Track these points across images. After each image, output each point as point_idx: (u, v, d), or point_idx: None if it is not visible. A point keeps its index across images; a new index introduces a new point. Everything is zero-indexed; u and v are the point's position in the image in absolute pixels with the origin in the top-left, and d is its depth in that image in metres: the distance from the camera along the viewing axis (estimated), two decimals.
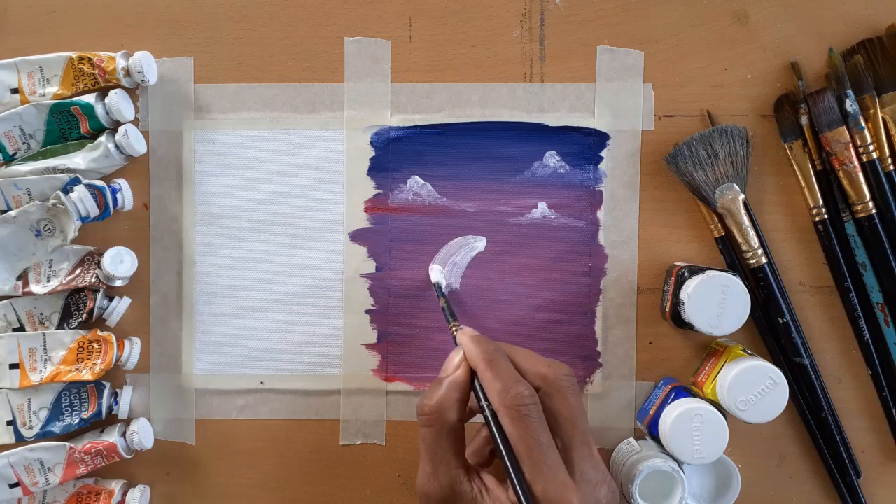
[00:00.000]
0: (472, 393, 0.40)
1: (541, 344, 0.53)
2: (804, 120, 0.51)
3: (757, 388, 0.47)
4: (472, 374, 0.40)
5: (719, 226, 0.52)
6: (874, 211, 0.50)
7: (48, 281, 0.52)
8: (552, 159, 0.53)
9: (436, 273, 0.52)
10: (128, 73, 0.52)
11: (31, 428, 0.51)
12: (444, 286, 0.51)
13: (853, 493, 0.52)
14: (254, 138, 0.54)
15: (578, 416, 0.38)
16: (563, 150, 0.53)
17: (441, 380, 0.40)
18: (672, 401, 0.49)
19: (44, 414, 0.52)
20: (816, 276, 0.53)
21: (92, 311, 0.52)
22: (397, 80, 0.54)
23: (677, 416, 0.47)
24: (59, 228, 0.52)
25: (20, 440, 0.51)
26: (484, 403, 0.38)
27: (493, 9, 0.53)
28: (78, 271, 0.52)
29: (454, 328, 0.44)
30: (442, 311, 0.47)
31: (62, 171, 0.52)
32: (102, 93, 0.52)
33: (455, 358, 0.40)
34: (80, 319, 0.52)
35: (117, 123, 0.53)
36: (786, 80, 0.52)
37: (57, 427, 0.51)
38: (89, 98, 0.52)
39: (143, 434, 0.52)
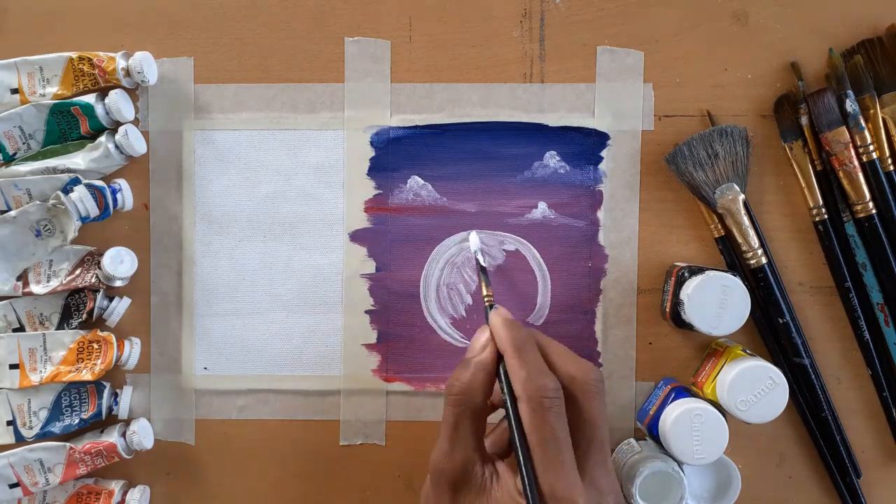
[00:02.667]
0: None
1: None
2: (804, 120, 0.51)
3: (757, 388, 0.47)
4: (499, 357, 0.39)
5: (719, 226, 0.52)
6: (874, 211, 0.50)
7: (48, 281, 0.52)
8: (552, 159, 0.53)
9: (475, 238, 0.52)
10: (128, 73, 0.52)
11: (31, 428, 0.51)
12: (479, 253, 0.50)
13: (853, 493, 0.52)
14: (254, 138, 0.54)
15: (600, 422, 0.38)
16: (563, 150, 0.53)
17: (468, 360, 0.39)
18: (672, 401, 0.49)
19: (44, 414, 0.52)
20: (816, 276, 0.53)
21: (92, 311, 0.52)
22: (397, 80, 0.54)
23: (677, 416, 0.47)
24: (59, 228, 0.52)
25: (20, 440, 0.51)
26: (506, 389, 0.38)
27: (493, 9, 0.53)
28: (78, 271, 0.52)
29: (488, 300, 0.43)
30: (478, 276, 0.46)
31: (62, 172, 0.52)
32: (102, 93, 0.52)
33: (482, 337, 0.40)
34: (80, 319, 0.52)
35: (117, 123, 0.53)
36: (786, 80, 0.52)
37: (57, 427, 0.51)
38: (89, 98, 0.52)
39: (143, 434, 0.52)
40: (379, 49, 0.53)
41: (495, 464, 0.39)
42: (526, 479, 0.35)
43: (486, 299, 0.44)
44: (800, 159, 0.51)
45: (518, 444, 0.36)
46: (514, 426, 0.37)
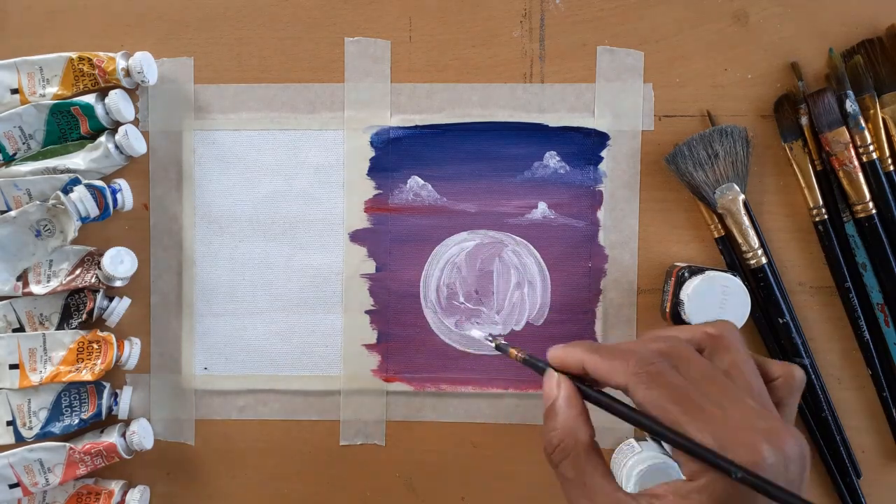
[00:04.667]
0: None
1: (541, 344, 0.53)
2: (804, 120, 0.51)
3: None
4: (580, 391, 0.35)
5: (719, 226, 0.52)
6: (874, 211, 0.50)
7: (48, 281, 0.52)
8: (552, 159, 0.53)
9: (476, 332, 0.51)
10: (128, 73, 0.52)
11: (30, 428, 0.51)
12: (495, 337, 0.48)
13: (853, 493, 0.52)
14: (254, 138, 0.54)
15: (712, 374, 0.33)
16: (563, 150, 0.53)
17: (550, 409, 0.35)
18: None
19: (44, 414, 0.52)
20: (816, 276, 0.53)
21: (92, 311, 0.52)
22: (397, 80, 0.54)
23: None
24: (59, 229, 0.52)
25: (20, 440, 0.51)
26: (600, 396, 0.35)
27: (493, 9, 0.53)
28: (78, 271, 0.52)
29: (522, 354, 0.40)
30: (525, 363, 0.41)
31: (62, 172, 0.52)
32: (102, 93, 0.52)
33: (551, 379, 0.36)
34: (79, 320, 0.52)
35: (117, 124, 0.53)
36: (786, 81, 0.52)
37: (57, 427, 0.51)
38: (89, 98, 0.52)
39: (142, 434, 0.52)
40: (379, 49, 0.53)
41: (648, 491, 0.33)
42: (687, 445, 0.30)
43: (519, 355, 0.40)
44: (800, 159, 0.51)
45: (655, 428, 0.32)
46: (641, 419, 0.32)
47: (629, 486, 0.47)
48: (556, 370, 0.37)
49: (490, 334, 0.44)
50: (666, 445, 0.48)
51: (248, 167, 0.54)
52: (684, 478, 0.38)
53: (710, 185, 0.50)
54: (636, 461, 0.49)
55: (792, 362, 0.50)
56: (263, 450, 0.54)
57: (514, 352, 0.40)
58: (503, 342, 0.42)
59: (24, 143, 0.52)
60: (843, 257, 0.51)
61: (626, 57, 0.53)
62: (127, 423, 0.53)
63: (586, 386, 0.35)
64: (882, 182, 0.50)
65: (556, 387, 0.36)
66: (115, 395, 0.53)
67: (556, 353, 0.37)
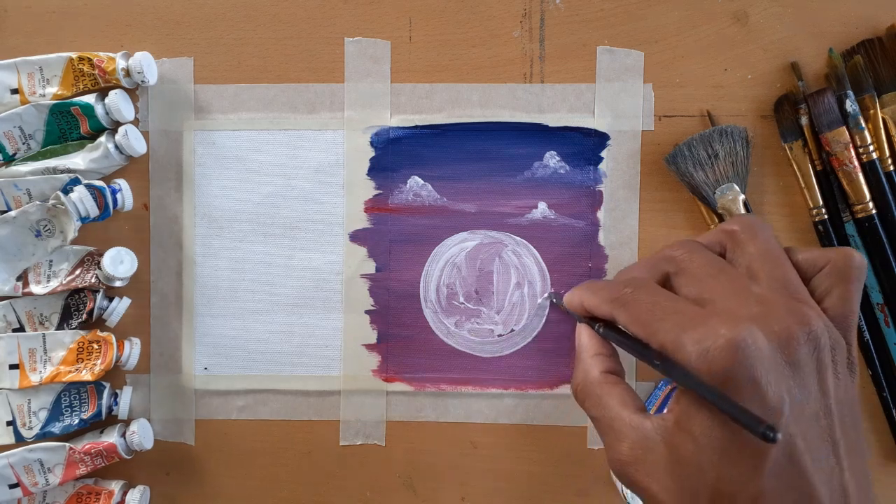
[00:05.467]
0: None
1: (541, 344, 0.53)
2: (804, 120, 0.51)
3: None
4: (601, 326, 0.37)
5: None
6: (874, 211, 0.50)
7: (48, 281, 0.52)
8: (552, 160, 0.53)
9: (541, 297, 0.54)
10: (128, 73, 0.52)
11: (30, 428, 0.51)
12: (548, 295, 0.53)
13: None
14: (254, 139, 0.54)
15: (712, 267, 0.32)
16: (563, 150, 0.53)
17: (578, 354, 0.37)
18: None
19: (43, 414, 0.52)
20: None
21: (92, 311, 0.52)
22: (397, 80, 0.54)
23: None
24: (59, 229, 0.52)
25: (20, 440, 0.51)
26: (602, 326, 0.36)
27: (493, 9, 0.53)
28: (78, 272, 0.52)
29: (550, 296, 0.45)
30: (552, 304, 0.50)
31: (62, 172, 0.52)
32: (102, 93, 0.52)
33: (578, 329, 0.39)
34: (79, 320, 0.52)
35: (117, 124, 0.53)
36: (786, 81, 0.52)
37: (57, 427, 0.51)
38: (89, 98, 0.52)
39: (142, 434, 0.52)
40: (379, 49, 0.53)
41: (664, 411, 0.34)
42: (657, 358, 0.31)
43: (549, 296, 0.44)
44: (800, 159, 0.51)
45: (635, 345, 0.33)
46: (625, 343, 0.34)
47: (626, 489, 0.47)
48: (582, 318, 0.39)
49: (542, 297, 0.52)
50: None
51: (248, 167, 0.54)
52: None
53: (710, 186, 0.50)
54: None
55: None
56: (263, 450, 0.54)
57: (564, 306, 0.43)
58: (554, 297, 0.50)
59: (23, 143, 0.52)
60: None
61: (626, 57, 0.53)
62: (127, 423, 0.53)
63: (607, 327, 0.37)
64: (882, 182, 0.50)
65: (578, 335, 0.38)
66: (115, 395, 0.53)
67: (565, 298, 0.40)
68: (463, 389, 0.54)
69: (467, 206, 0.54)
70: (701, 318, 0.30)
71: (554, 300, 0.48)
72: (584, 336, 0.38)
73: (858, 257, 0.33)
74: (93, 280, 0.52)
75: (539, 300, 0.53)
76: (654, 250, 0.53)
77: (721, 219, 0.51)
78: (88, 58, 0.52)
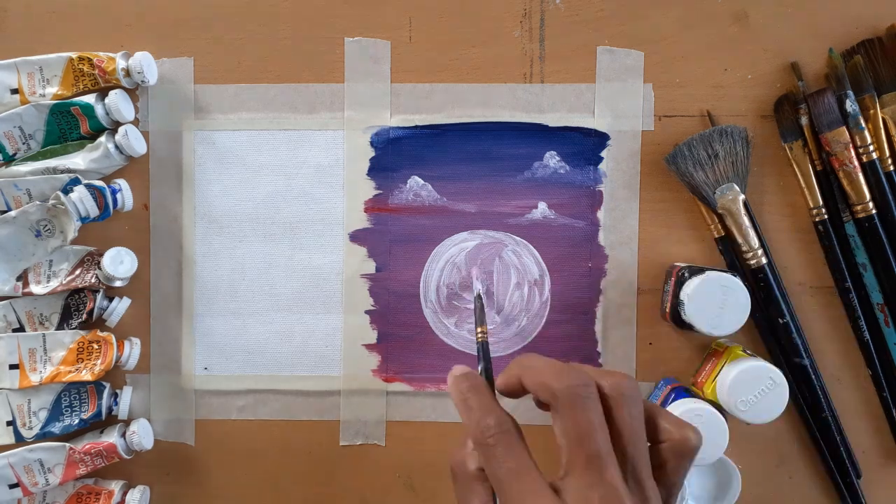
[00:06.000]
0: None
1: (540, 344, 0.53)
2: (804, 120, 0.51)
3: (757, 388, 0.47)
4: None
5: (719, 226, 0.52)
6: (874, 211, 0.50)
7: (48, 281, 0.52)
8: (552, 160, 0.53)
9: (476, 278, 0.53)
10: (128, 73, 0.52)
11: (30, 428, 0.51)
12: (481, 290, 0.51)
13: (853, 493, 0.52)
14: (254, 139, 0.54)
15: (587, 434, 0.32)
16: (563, 150, 0.53)
17: (463, 402, 0.35)
18: (672, 401, 0.49)
19: (43, 414, 0.52)
20: (816, 276, 0.53)
21: (92, 311, 0.52)
22: (397, 80, 0.54)
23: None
24: (59, 229, 0.52)
25: (20, 440, 0.51)
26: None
27: (493, 9, 0.53)
28: (78, 272, 0.52)
29: (481, 336, 0.42)
30: (475, 313, 0.46)
31: (62, 172, 0.52)
32: (102, 93, 0.52)
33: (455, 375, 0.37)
34: (79, 320, 0.52)
35: (117, 124, 0.53)
36: (786, 81, 0.52)
37: (57, 427, 0.51)
38: (89, 98, 0.52)
39: (142, 434, 0.52)
40: (379, 49, 0.53)
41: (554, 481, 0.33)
42: None
43: (479, 335, 0.42)
44: (800, 159, 0.51)
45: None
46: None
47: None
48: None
49: (480, 293, 0.48)
50: None
51: (248, 167, 0.54)
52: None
53: (710, 185, 0.50)
54: None
55: (792, 362, 0.50)
56: (263, 450, 0.54)
57: (480, 330, 0.42)
58: (483, 311, 0.45)
59: (24, 143, 0.52)
60: (843, 257, 0.51)
61: (626, 57, 0.53)
62: (127, 423, 0.53)
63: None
64: (882, 182, 0.50)
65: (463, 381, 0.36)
66: (115, 396, 0.53)
67: (450, 387, 0.36)
68: None
69: (467, 206, 0.54)
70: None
71: (478, 304, 0.46)
72: (474, 381, 0.36)
73: (694, 439, 0.34)
74: (93, 280, 0.52)
75: (476, 285, 0.51)
76: (654, 250, 0.53)
77: (721, 219, 0.51)
78: (88, 58, 0.52)
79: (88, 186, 0.51)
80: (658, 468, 0.33)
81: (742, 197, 0.50)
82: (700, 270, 0.48)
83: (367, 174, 0.54)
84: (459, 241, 0.54)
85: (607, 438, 0.32)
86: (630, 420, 0.32)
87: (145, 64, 0.52)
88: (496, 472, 0.32)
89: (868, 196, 0.50)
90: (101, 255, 0.51)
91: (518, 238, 0.53)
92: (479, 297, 0.49)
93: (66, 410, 0.52)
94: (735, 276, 0.47)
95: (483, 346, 0.42)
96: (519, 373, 0.35)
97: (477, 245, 0.54)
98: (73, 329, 0.52)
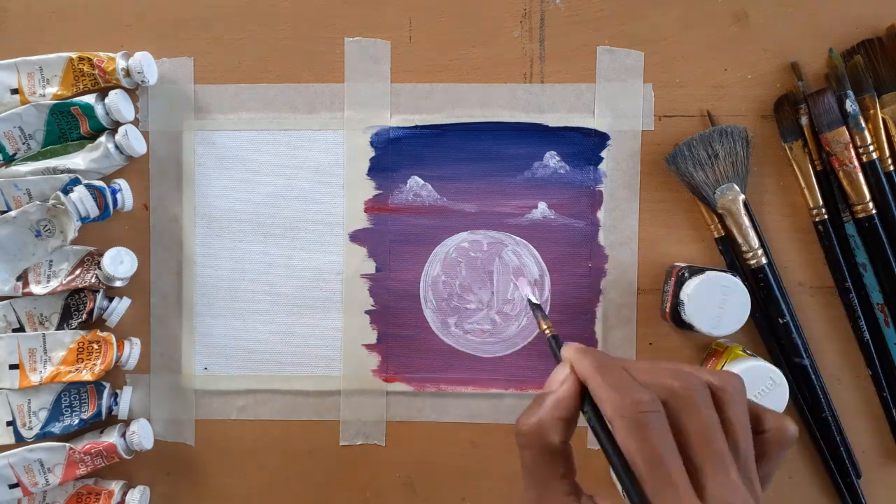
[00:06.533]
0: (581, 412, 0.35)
1: (540, 344, 0.53)
2: (804, 120, 0.51)
3: (757, 388, 0.47)
4: (583, 391, 0.35)
5: (719, 226, 0.52)
6: (874, 211, 0.50)
7: (48, 281, 0.52)
8: (552, 160, 0.53)
9: (525, 286, 0.53)
10: (128, 73, 0.52)
11: (30, 428, 0.51)
12: (531, 296, 0.50)
13: (853, 493, 0.52)
14: (254, 139, 0.54)
15: (712, 433, 0.32)
16: (563, 150, 0.53)
17: (543, 396, 0.35)
18: None
19: (43, 414, 0.52)
20: (816, 276, 0.53)
21: (92, 311, 0.52)
22: (397, 80, 0.54)
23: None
24: (59, 229, 0.52)
25: (20, 441, 0.51)
26: (596, 420, 0.34)
27: (493, 9, 0.53)
28: (78, 272, 0.52)
29: (549, 331, 0.40)
30: (535, 315, 0.45)
31: (62, 172, 0.52)
32: (102, 93, 0.52)
33: (561, 373, 0.36)
34: (79, 320, 0.52)
35: (117, 124, 0.53)
36: (786, 81, 0.52)
37: (57, 427, 0.51)
38: (89, 98, 0.52)
39: (142, 434, 0.52)
40: (379, 49, 0.53)
41: (596, 500, 0.34)
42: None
43: (547, 331, 0.41)
44: (800, 159, 0.51)
45: (623, 475, 0.32)
46: (614, 459, 0.33)
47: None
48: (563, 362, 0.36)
49: (532, 296, 0.48)
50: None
51: (247, 167, 0.54)
52: None
53: (710, 185, 0.50)
54: None
55: (792, 362, 0.50)
56: (263, 450, 0.54)
57: (543, 324, 0.41)
58: (540, 308, 0.44)
59: (24, 143, 0.52)
60: (843, 257, 0.51)
61: (626, 57, 0.53)
62: (127, 423, 0.53)
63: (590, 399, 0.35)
64: (882, 182, 0.50)
65: (560, 383, 0.35)
66: (115, 396, 0.53)
67: (570, 355, 0.36)
68: (463, 389, 0.54)
69: (467, 206, 0.54)
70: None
71: (532, 307, 0.45)
72: (566, 393, 0.35)
73: (794, 429, 0.34)
74: (93, 280, 0.52)
75: (526, 291, 0.51)
76: (654, 250, 0.53)
77: (721, 219, 0.51)
78: (88, 58, 0.52)
79: (88, 186, 0.51)
80: (758, 458, 0.33)
81: (742, 197, 0.50)
82: (700, 270, 0.48)
83: (367, 174, 0.54)
84: (459, 242, 0.54)
85: (724, 438, 0.32)
86: (742, 417, 0.33)
87: (145, 64, 0.52)
88: (641, 450, 0.31)
89: (868, 196, 0.50)
90: (101, 255, 0.51)
91: (518, 238, 0.53)
92: (530, 303, 0.47)
93: (66, 410, 0.52)
94: (735, 276, 0.47)
95: (555, 340, 0.40)
96: (622, 370, 0.34)
97: (477, 243, 0.54)
98: (73, 329, 0.52)
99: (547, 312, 0.53)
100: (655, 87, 0.53)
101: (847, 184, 0.50)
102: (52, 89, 0.52)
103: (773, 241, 0.53)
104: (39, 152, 0.53)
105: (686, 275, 0.48)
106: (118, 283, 0.53)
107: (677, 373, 0.33)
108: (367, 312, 0.54)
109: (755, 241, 0.50)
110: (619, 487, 0.32)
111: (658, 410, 0.32)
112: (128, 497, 0.52)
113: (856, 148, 0.50)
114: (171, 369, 0.54)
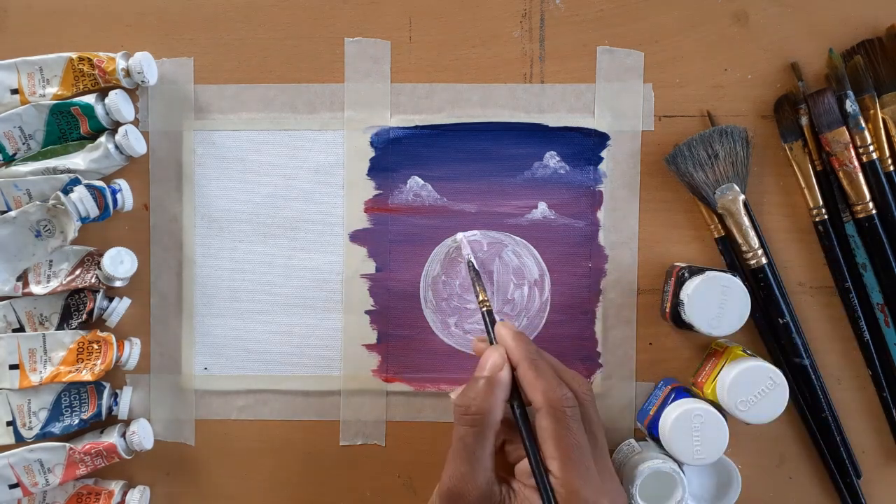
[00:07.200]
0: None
1: (540, 344, 0.53)
2: (804, 120, 0.51)
3: (757, 388, 0.47)
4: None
5: (719, 226, 0.52)
6: (874, 211, 0.50)
7: (48, 281, 0.52)
8: (552, 160, 0.53)
9: (464, 242, 0.52)
10: (128, 73, 0.52)
11: (30, 428, 0.51)
12: (472, 256, 0.51)
13: (853, 493, 0.52)
14: (254, 139, 0.54)
15: (599, 429, 0.39)
16: (563, 150, 0.53)
17: (479, 378, 0.40)
18: (672, 401, 0.49)
19: (43, 414, 0.52)
20: (816, 276, 0.53)
21: (92, 311, 0.52)
22: (397, 80, 0.54)
23: (677, 416, 0.47)
24: (59, 229, 0.52)
25: (20, 441, 0.51)
26: (517, 404, 0.39)
27: (493, 9, 0.53)
28: (78, 272, 0.52)
29: (485, 306, 0.44)
30: (471, 280, 0.48)
31: (62, 172, 0.52)
32: (102, 93, 0.52)
33: (495, 355, 0.40)
34: (79, 320, 0.52)
35: (117, 124, 0.53)
36: (786, 81, 0.52)
37: (57, 427, 0.51)
38: (89, 98, 0.52)
39: (142, 434, 0.52)
40: (379, 49, 0.53)
41: (510, 482, 0.39)
42: (547, 490, 0.36)
43: (482, 305, 0.44)
44: (800, 159, 0.51)
45: (535, 456, 0.37)
46: (527, 439, 0.38)
47: (634, 487, 0.47)
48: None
49: (471, 260, 0.49)
50: (664, 446, 0.48)
51: (247, 167, 0.54)
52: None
53: (710, 186, 0.50)
54: (636, 462, 0.49)
55: (792, 362, 0.50)
56: (263, 450, 0.54)
57: (482, 295, 0.45)
58: (479, 276, 0.48)
59: (24, 144, 0.52)
60: (843, 257, 0.51)
61: (626, 57, 0.53)
62: (127, 423, 0.53)
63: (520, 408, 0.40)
64: (882, 182, 0.50)
65: (498, 367, 0.40)
66: (115, 396, 0.53)
67: (505, 339, 0.41)
68: None
69: (467, 206, 0.54)
70: (612, 485, 0.39)
71: (472, 268, 0.48)
72: (507, 375, 0.40)
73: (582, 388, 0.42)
74: (93, 280, 0.52)
75: (465, 251, 0.51)
76: (654, 250, 0.53)
77: (721, 219, 0.51)
78: (88, 58, 0.52)
79: (88, 186, 0.51)
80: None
81: (742, 197, 0.50)
82: (700, 270, 0.48)
83: (367, 174, 0.54)
84: (450, 244, 0.54)
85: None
86: (597, 416, 0.40)
87: (145, 64, 0.52)
88: (564, 439, 0.37)
89: (868, 196, 0.50)
90: (101, 255, 0.51)
91: (518, 238, 0.53)
92: (470, 264, 0.49)
93: (66, 410, 0.52)
94: (735, 276, 0.47)
95: (489, 315, 0.43)
96: (548, 364, 0.40)
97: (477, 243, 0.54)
98: (73, 329, 0.52)
99: (547, 312, 0.53)
100: (655, 87, 0.53)
101: (847, 184, 0.50)
102: (52, 89, 0.52)
103: (773, 241, 0.53)
104: (39, 152, 0.53)
105: (686, 275, 0.48)
106: (118, 284, 0.53)
107: (572, 373, 0.41)
108: (367, 312, 0.54)
109: (755, 241, 0.50)
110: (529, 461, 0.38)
111: (576, 406, 0.38)
112: (128, 497, 0.52)
113: (856, 148, 0.50)
114: (171, 369, 0.54)
